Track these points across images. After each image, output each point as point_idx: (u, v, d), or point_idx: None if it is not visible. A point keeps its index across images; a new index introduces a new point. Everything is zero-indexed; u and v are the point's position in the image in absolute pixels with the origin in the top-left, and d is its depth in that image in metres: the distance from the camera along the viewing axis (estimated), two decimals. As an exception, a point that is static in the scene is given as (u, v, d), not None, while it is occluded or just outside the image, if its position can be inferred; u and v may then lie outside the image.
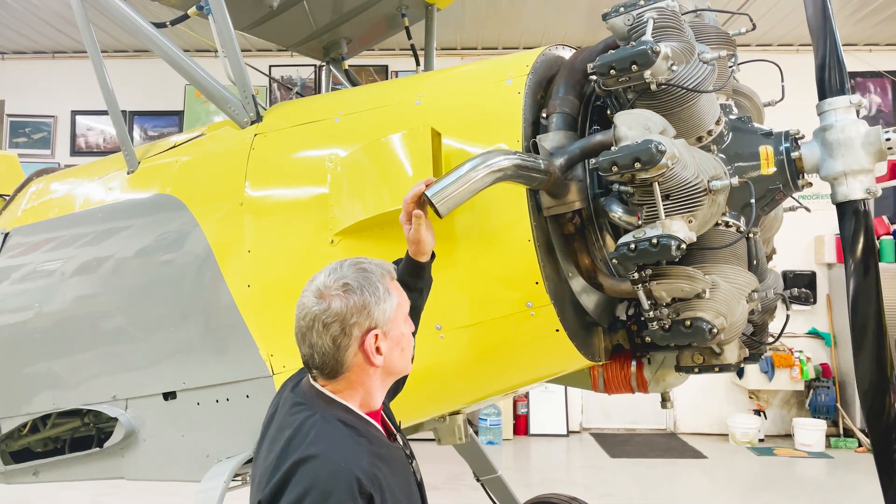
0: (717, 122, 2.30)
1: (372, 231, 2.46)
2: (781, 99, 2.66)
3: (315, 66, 9.34)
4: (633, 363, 2.56)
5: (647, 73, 2.07)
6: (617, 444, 8.95)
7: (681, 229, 2.01)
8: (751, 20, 2.42)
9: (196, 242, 2.81)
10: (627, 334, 2.60)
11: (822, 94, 2.26)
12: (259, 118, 2.87)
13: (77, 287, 3.18)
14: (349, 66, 4.43)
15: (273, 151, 2.76)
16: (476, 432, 8.98)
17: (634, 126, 2.07)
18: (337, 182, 2.52)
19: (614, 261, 2.09)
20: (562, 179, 2.19)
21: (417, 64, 4.18)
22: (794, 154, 2.27)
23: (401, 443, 1.90)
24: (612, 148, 2.06)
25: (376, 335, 1.69)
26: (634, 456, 8.38)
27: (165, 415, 2.99)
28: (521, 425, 9.35)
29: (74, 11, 3.22)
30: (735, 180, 2.05)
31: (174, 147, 3.20)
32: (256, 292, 2.67)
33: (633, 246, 2.03)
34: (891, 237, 8.88)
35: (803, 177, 2.30)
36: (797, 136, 2.31)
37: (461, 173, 1.94)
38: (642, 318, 2.33)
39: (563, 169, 2.18)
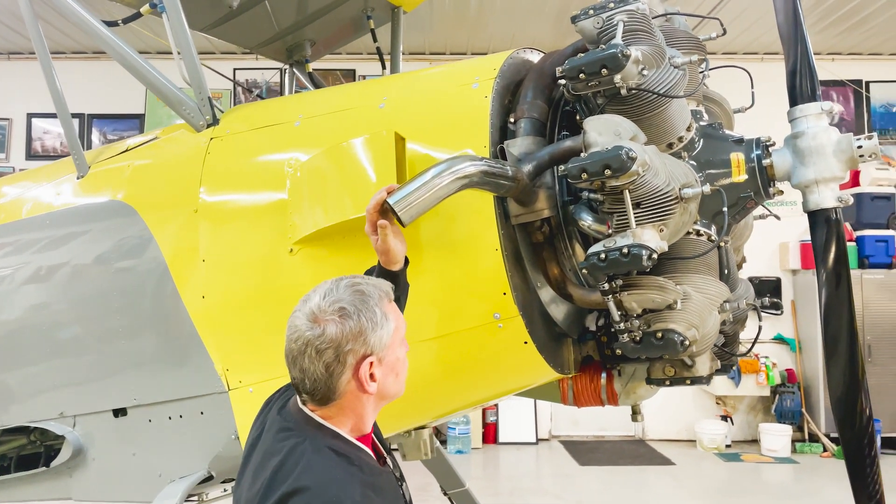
0: (688, 129, 2.25)
1: (334, 240, 2.36)
2: (751, 105, 2.62)
3: (280, 69, 9.20)
4: (604, 375, 2.49)
5: (618, 78, 2.01)
6: (586, 451, 8.92)
7: (652, 238, 1.95)
8: (721, 25, 2.38)
9: (148, 251, 2.68)
10: (597, 345, 2.53)
11: (794, 101, 2.22)
12: (216, 121, 2.75)
13: (22, 297, 3.02)
14: (315, 69, 4.33)
15: (229, 156, 2.64)
16: (444, 441, 8.89)
17: (604, 132, 2.01)
18: (297, 188, 2.41)
19: (584, 271, 2.01)
20: (530, 186, 2.12)
21: (384, 68, 4.09)
22: (766, 161, 2.22)
23: (391, 465, 1.81)
24: (582, 154, 1.99)
25: (371, 362, 1.60)
26: (604, 463, 8.36)
27: (116, 432, 2.84)
28: (490, 434, 9.27)
29: (21, 8, 3.06)
30: (707, 188, 1.99)
31: (127, 151, 3.06)
32: (211, 304, 2.54)
33: (602, 255, 1.96)
34: (853, 243, 9.01)
35: (774, 184, 2.26)
36: (768, 144, 2.26)
37: (425, 180, 1.86)
38: (613, 330, 2.26)
39: (531, 176, 2.11)
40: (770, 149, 2.24)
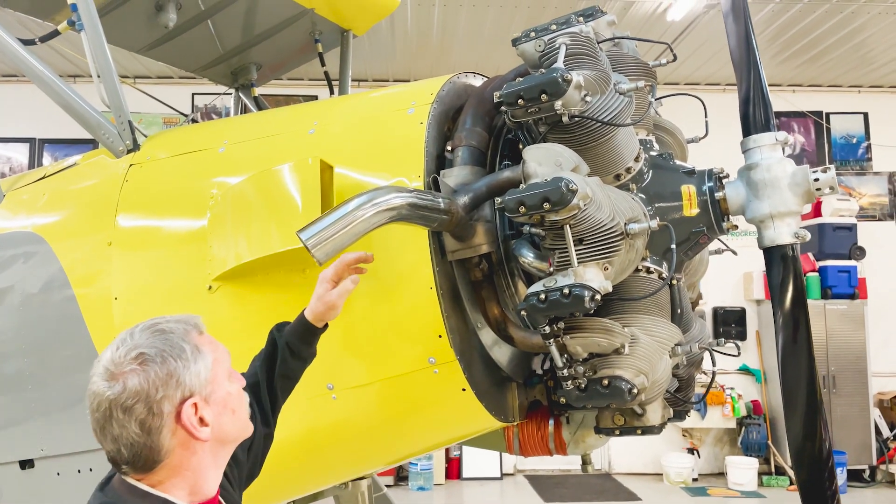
0: (637, 159, 2.11)
1: (257, 276, 2.17)
2: (705, 135, 2.50)
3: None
4: (551, 422, 2.31)
5: (558, 104, 1.86)
6: (551, 486, 8.70)
7: (595, 278, 1.79)
8: (671, 50, 2.26)
9: (57, 287, 2.45)
10: (545, 390, 2.36)
11: (747, 131, 2.09)
12: (136, 147, 2.55)
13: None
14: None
15: (148, 183, 2.44)
16: (405, 477, 8.60)
17: (545, 162, 1.85)
18: (218, 217, 2.22)
19: (523, 312, 1.84)
20: (466, 220, 1.95)
21: (332, 93, 3.92)
22: (719, 194, 2.09)
23: None
24: (521, 186, 1.83)
25: (195, 404, 1.35)
26: (569, 499, 8.14)
27: (23, 485, 2.59)
28: (453, 469, 9.00)
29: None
30: (655, 223, 1.84)
31: (44, 178, 2.84)
32: (124, 345, 2.32)
33: (542, 296, 1.79)
34: (816, 274, 9.01)
35: (728, 219, 2.12)
36: (721, 175, 2.13)
37: (344, 212, 1.68)
38: (557, 376, 2.09)
39: (467, 208, 1.94)
40: (724, 181, 2.11)
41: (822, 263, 9.04)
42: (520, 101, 1.89)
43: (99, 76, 2.55)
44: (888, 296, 9.29)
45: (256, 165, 2.24)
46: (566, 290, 1.76)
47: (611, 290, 1.80)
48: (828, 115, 9.84)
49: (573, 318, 1.88)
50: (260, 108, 4.01)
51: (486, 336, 2.16)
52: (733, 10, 2.16)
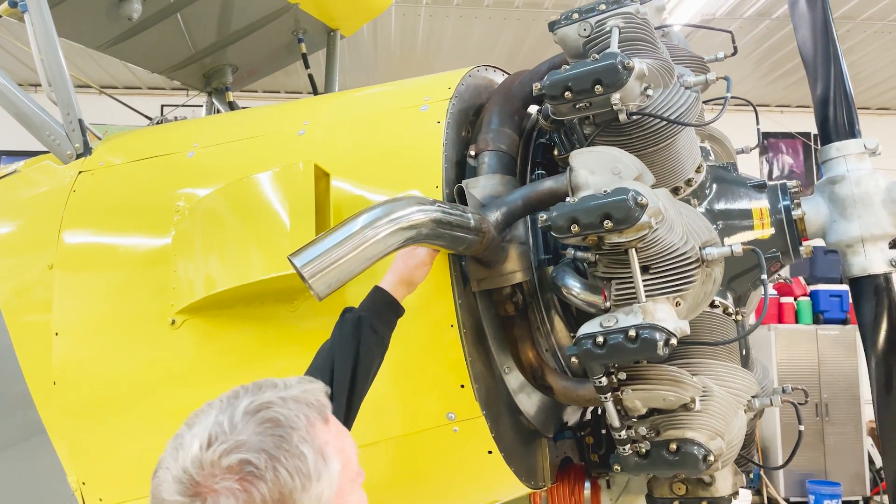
0: (698, 170, 1.75)
1: (232, 309, 1.75)
2: (757, 145, 2.16)
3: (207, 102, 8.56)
4: (587, 485, 1.92)
5: (616, 97, 1.49)
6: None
7: (668, 316, 1.41)
8: (733, 42, 1.91)
9: (-16, 317, 2.00)
10: (578, 445, 1.97)
11: (827, 137, 1.75)
12: (87, 151, 2.12)
13: None
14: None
15: (100, 194, 2.01)
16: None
17: (598, 169, 1.48)
18: (185, 236, 1.80)
19: (574, 359, 1.45)
20: (499, 241, 1.56)
21: (316, 98, 3.53)
22: (796, 213, 1.73)
23: None
24: (569, 199, 1.45)
25: None
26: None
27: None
28: None
29: None
30: (738, 247, 1.47)
31: (-22, 188, 2.39)
32: (65, 393, 1.88)
33: (600, 339, 1.40)
34: (807, 298, 8.78)
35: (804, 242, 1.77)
36: (795, 190, 1.78)
37: (350, 231, 1.28)
38: (604, 433, 1.71)
39: (500, 227, 1.55)
40: (800, 197, 1.76)
41: (813, 288, 8.82)
42: (567, 93, 1.51)
43: (44, 65, 2.13)
44: (880, 321, 9.08)
45: (232, 173, 1.84)
46: (632, 333, 1.37)
47: (689, 332, 1.42)
48: (816, 136, 9.68)
49: (634, 365, 1.50)
50: (236, 114, 3.60)
51: (513, 380, 1.77)
52: None
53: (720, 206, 1.76)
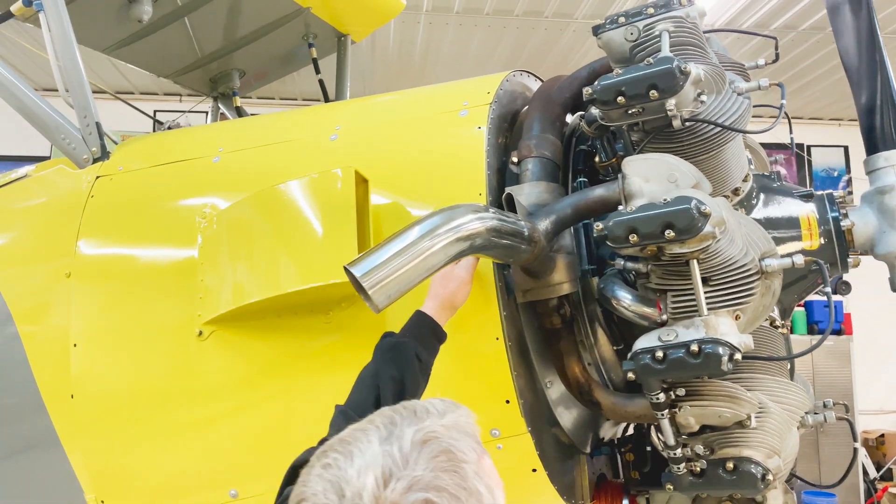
0: (745, 179, 1.70)
1: (265, 321, 1.68)
2: (791, 155, 2.12)
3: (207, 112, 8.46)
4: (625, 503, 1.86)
5: (671, 103, 1.44)
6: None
7: (731, 330, 1.36)
8: (776, 48, 1.87)
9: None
10: (613, 462, 1.91)
11: (873, 147, 1.71)
12: (105, 155, 2.04)
13: None
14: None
15: (120, 201, 1.93)
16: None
17: (653, 177, 1.43)
18: (211, 246, 1.73)
19: (630, 374, 1.39)
20: (547, 251, 1.51)
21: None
22: (844, 224, 1.69)
23: None
24: (622, 207, 1.40)
25: None
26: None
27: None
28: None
29: None
30: (800, 259, 1.42)
31: (-15, 193, 2.30)
32: (83, 407, 1.79)
33: (660, 354, 1.35)
34: (801, 309, 8.79)
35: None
36: (842, 200, 1.74)
37: (409, 240, 1.22)
38: (650, 449, 1.65)
39: (549, 236, 1.50)
40: (848, 207, 1.72)
41: (807, 298, 8.82)
42: (619, 98, 1.46)
43: (60, 65, 2.05)
44: (873, 332, 9.12)
45: (261, 178, 1.77)
46: (694, 347, 1.32)
47: (752, 347, 1.37)
48: (809, 147, 9.74)
49: (691, 381, 1.44)
50: (243, 120, 3.53)
51: (553, 394, 1.71)
52: (850, 1, 1.78)
53: (767, 215, 1.71)
